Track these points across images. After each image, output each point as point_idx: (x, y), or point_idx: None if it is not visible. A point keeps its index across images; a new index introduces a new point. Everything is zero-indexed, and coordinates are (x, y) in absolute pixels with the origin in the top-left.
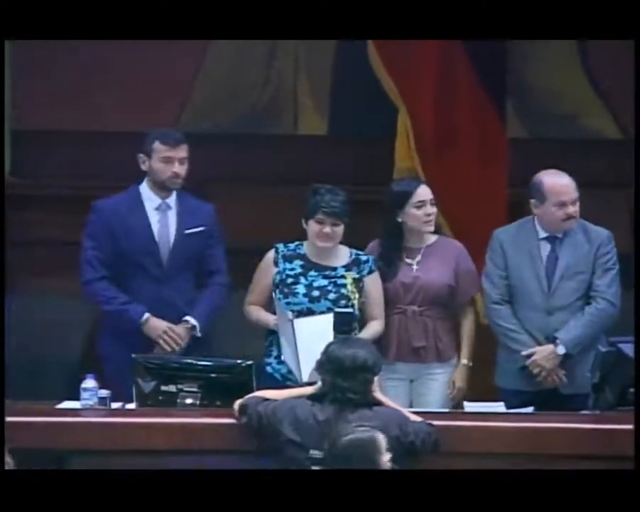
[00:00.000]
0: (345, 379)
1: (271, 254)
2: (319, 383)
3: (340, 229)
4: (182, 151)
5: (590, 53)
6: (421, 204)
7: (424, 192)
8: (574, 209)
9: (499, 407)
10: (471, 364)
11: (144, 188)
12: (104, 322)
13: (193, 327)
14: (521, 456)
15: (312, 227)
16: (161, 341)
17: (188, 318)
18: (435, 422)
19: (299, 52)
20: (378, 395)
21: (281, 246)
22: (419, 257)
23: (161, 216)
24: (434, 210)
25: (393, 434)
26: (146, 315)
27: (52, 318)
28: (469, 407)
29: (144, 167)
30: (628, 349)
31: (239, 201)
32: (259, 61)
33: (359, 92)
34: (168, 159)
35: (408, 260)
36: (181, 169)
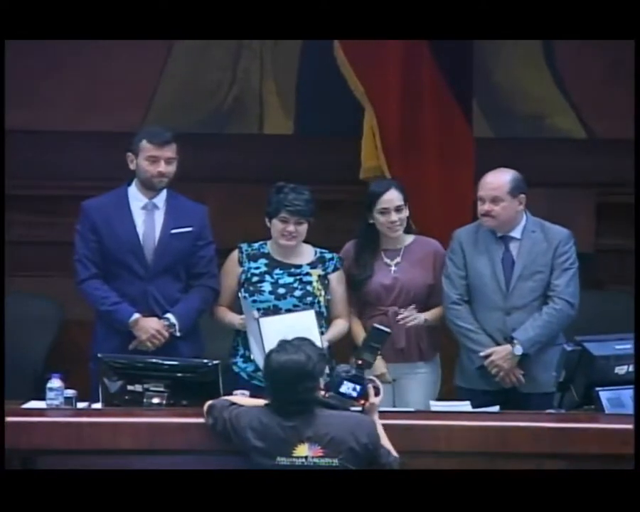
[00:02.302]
0: (282, 391)
1: (235, 254)
2: None
3: (303, 228)
4: (169, 151)
5: (556, 53)
6: (384, 210)
7: (388, 198)
8: (486, 207)
9: (466, 405)
10: (428, 319)
11: (132, 188)
12: (98, 323)
13: (172, 325)
14: (485, 455)
15: (276, 225)
16: (149, 344)
17: (168, 315)
18: (401, 422)
19: (264, 52)
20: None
21: (245, 245)
22: (397, 259)
23: (147, 216)
24: (400, 216)
25: (362, 442)
26: (136, 315)
27: (19, 317)
28: (435, 406)
29: (132, 166)
30: (594, 348)
31: (204, 201)
32: (224, 61)
33: (325, 92)
34: (155, 158)
35: (387, 261)
36: (167, 169)
